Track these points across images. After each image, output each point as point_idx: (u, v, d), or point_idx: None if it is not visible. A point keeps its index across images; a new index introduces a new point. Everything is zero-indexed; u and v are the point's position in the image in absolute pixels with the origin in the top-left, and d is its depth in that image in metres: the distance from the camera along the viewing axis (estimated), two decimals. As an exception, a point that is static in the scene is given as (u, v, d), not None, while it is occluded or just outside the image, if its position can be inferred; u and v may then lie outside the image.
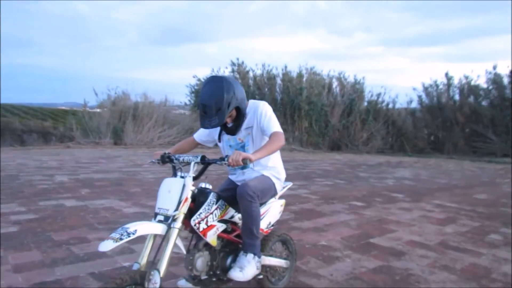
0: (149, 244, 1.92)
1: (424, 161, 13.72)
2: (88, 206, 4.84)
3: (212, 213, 2.11)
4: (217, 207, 2.16)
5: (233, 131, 2.38)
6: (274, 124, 2.30)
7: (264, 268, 2.41)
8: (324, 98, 17.08)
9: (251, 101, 2.42)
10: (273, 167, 2.46)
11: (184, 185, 1.98)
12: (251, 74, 18.18)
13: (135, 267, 1.85)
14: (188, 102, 18.96)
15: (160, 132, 15.94)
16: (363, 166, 11.12)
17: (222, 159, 2.04)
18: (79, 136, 15.46)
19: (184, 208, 1.97)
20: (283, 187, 2.62)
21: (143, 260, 1.87)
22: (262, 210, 2.39)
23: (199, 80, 18.24)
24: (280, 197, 2.63)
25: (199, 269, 2.12)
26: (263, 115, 2.31)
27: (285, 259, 2.62)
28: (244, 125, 2.37)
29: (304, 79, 17.62)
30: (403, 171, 10.35)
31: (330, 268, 3.09)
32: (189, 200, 2.00)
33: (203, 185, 2.17)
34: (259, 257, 2.26)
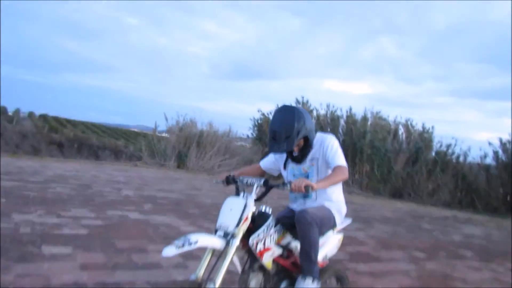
0: (207, 258, 2.00)
1: (497, 221, 12.54)
2: (149, 221, 5.08)
3: (270, 235, 2.17)
4: (275, 230, 2.22)
5: (298, 159, 2.45)
6: (339, 157, 2.35)
7: None
8: (388, 143, 16.55)
9: (319, 134, 2.49)
10: (335, 200, 2.48)
11: (246, 205, 2.05)
12: (314, 113, 18.25)
13: (192, 277, 1.91)
14: (250, 135, 19.41)
15: (221, 160, 16.40)
16: (427, 218, 10.44)
17: (284, 184, 2.11)
18: (147, 156, 16.40)
19: (244, 227, 2.04)
20: (343, 222, 2.60)
21: (200, 272, 1.95)
22: (320, 241, 2.39)
23: (263, 114, 18.64)
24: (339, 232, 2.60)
25: None
26: (330, 147, 2.37)
27: None
28: (310, 156, 2.43)
29: (369, 122, 17.29)
30: (472, 228, 9.54)
31: (385, 315, 2.91)
32: (249, 219, 2.06)
33: (263, 208, 2.23)
34: (319, 280, 2.27)
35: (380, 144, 16.07)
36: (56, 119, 48.18)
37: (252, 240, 2.09)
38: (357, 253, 4.84)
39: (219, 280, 1.90)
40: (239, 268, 2.11)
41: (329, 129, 17.74)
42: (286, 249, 2.31)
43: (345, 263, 4.25)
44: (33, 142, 22.47)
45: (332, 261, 4.12)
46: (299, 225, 2.21)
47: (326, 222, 2.40)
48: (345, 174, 2.28)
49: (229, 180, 2.32)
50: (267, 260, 2.16)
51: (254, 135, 19.01)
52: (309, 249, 2.22)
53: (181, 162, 15.94)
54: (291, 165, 2.51)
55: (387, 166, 16.05)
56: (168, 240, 4.14)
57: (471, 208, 15.58)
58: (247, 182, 2.21)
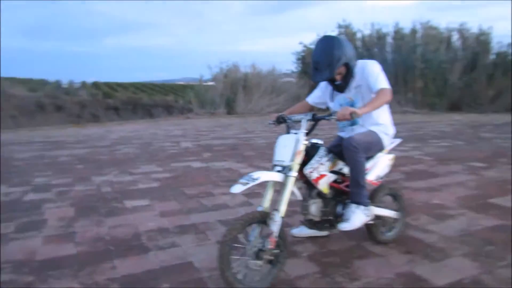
0: (270, 192, 2.21)
1: None
2: (211, 167, 5.49)
3: (323, 164, 2.34)
4: (328, 159, 2.38)
5: (342, 88, 2.51)
6: (381, 81, 2.37)
7: (374, 217, 2.56)
8: (442, 54, 15.51)
9: (361, 61, 2.51)
10: (381, 123, 2.55)
11: (297, 139, 2.21)
12: (359, 35, 17.39)
13: (259, 209, 2.16)
14: (295, 70, 19.11)
15: (269, 100, 16.53)
16: (488, 126, 10.03)
17: (330, 114, 2.22)
18: (197, 107, 16.96)
19: (298, 159, 2.19)
20: (392, 143, 2.69)
21: (266, 203, 2.17)
22: (370, 163, 2.54)
23: (305, 46, 18.14)
24: (390, 153, 2.72)
25: (313, 213, 2.39)
26: (371, 72, 2.41)
27: (394, 211, 2.73)
28: (354, 84, 2.49)
29: (419, 35, 16.19)
30: (539, 130, 9.06)
31: (442, 224, 3.06)
32: (303, 152, 2.23)
33: (314, 140, 2.40)
34: (365, 205, 2.41)
35: (433, 56, 15.15)
36: (107, 84, 50.33)
37: (307, 169, 2.28)
38: (414, 172, 4.92)
39: (282, 209, 2.13)
40: (299, 197, 2.27)
41: (376, 49, 16.90)
42: (340, 174, 2.51)
43: (401, 183, 4.37)
44: (91, 110, 24.01)
45: (387, 181, 4.27)
46: (346, 152, 2.35)
47: (373, 146, 2.50)
48: (388, 97, 2.33)
49: (280, 120, 2.48)
50: (323, 186, 2.36)
51: (299, 69, 18.71)
52: (356, 174, 2.36)
53: (230, 108, 16.34)
54: (337, 96, 2.60)
55: (442, 79, 15.21)
56: (230, 182, 4.48)
57: (537, 110, 14.54)
58: (295, 119, 2.36)
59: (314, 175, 2.31)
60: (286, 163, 2.18)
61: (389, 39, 16.66)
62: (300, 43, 18.58)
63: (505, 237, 2.79)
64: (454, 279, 2.19)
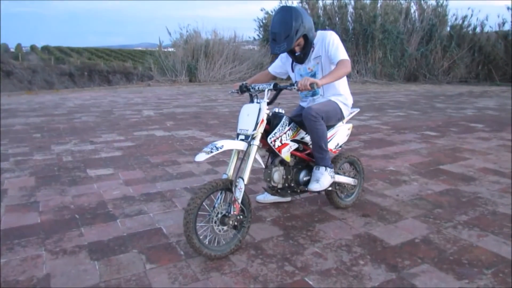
0: (234, 160, 2.27)
1: (513, 90, 12.54)
2: (174, 136, 5.45)
3: (285, 133, 2.41)
4: (289, 128, 2.45)
5: (301, 59, 2.55)
6: (340, 52, 2.43)
7: (334, 184, 2.70)
8: (400, 25, 15.87)
9: (319, 32, 2.55)
10: (341, 94, 2.65)
11: (260, 109, 2.26)
12: (320, 3, 17.33)
13: (224, 176, 2.22)
14: (257, 37, 18.88)
15: (231, 68, 16.32)
16: (441, 97, 10.57)
17: (291, 84, 2.27)
18: (157, 75, 16.46)
19: (261, 128, 2.26)
20: (351, 113, 2.81)
21: (230, 171, 2.23)
22: (330, 132, 2.65)
23: (267, 13, 17.90)
24: (348, 122, 2.84)
25: (276, 181, 2.48)
26: (331, 44, 2.46)
27: (353, 177, 2.88)
28: (313, 55, 2.54)
29: (379, 5, 16.40)
30: (486, 101, 9.68)
31: (397, 189, 3.29)
32: (265, 121, 2.29)
33: (276, 110, 2.46)
34: (331, 167, 2.55)
35: (392, 27, 15.47)
36: (59, 49, 47.43)
37: (271, 138, 2.35)
38: (371, 140, 5.16)
39: (246, 176, 2.16)
40: (262, 165, 2.35)
41: (337, 19, 17.01)
42: (302, 143, 2.57)
43: (359, 150, 4.59)
44: (44, 76, 22.71)
45: (346, 149, 4.45)
46: (306, 121, 2.43)
47: (333, 115, 2.59)
48: (348, 68, 2.40)
49: (243, 89, 2.51)
50: (285, 154, 2.44)
51: (261, 36, 18.50)
52: (319, 140, 2.45)
53: (192, 75, 15.99)
54: (297, 66, 2.63)
55: (400, 49, 15.66)
56: (195, 151, 4.53)
57: (488, 82, 15.45)
58: (258, 88, 2.41)
59: (277, 144, 2.38)
60: (249, 132, 2.23)
61: (350, 9, 16.75)
62: (262, 9, 18.32)
63: (452, 200, 3.05)
64: (406, 239, 2.39)
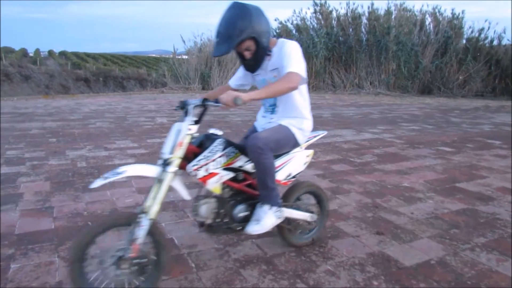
0: (155, 187, 1.85)
1: (530, 106, 12.32)
2: (187, 144, 5.47)
3: (214, 160, 1.98)
4: (223, 154, 2.01)
5: (252, 67, 2.15)
6: (293, 64, 1.97)
7: (286, 221, 2.29)
8: (415, 37, 15.79)
9: (281, 40, 2.13)
10: (294, 117, 2.21)
11: (179, 129, 1.90)
12: (334, 14, 17.38)
13: (138, 210, 1.84)
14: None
15: (244, 77, 16.41)
16: (456, 111, 10.43)
17: (216, 100, 1.87)
18: (171, 82, 16.64)
19: (179, 152, 1.86)
20: (314, 137, 2.43)
21: (148, 202, 1.82)
22: (282, 160, 2.25)
23: (281, 23, 17.99)
24: (310, 148, 2.43)
25: (203, 215, 2.06)
26: (287, 53, 2.02)
27: (311, 212, 2.43)
28: (270, 66, 2.13)
29: (393, 16, 16.37)
30: (504, 116, 9.52)
31: (411, 207, 3.23)
32: (185, 144, 1.89)
33: (212, 130, 2.09)
34: (278, 206, 2.14)
35: (406, 38, 15.40)
36: (76, 54, 48.39)
37: (192, 167, 1.93)
38: (385, 154, 5.10)
39: (154, 210, 1.78)
40: (184, 195, 1.92)
41: (351, 30, 16.99)
42: (242, 172, 2.13)
43: (373, 165, 4.53)
44: (61, 81, 23.12)
45: (348, 169, 4.39)
46: (250, 152, 2.02)
47: (284, 143, 2.17)
48: (292, 83, 1.92)
49: (182, 105, 2.05)
50: (213, 186, 2.00)
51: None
52: (264, 175, 2.04)
53: (205, 83, 16.13)
54: (257, 78, 2.24)
55: (415, 61, 15.56)
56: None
57: (504, 96, 15.20)
58: (192, 104, 1.97)
59: (201, 174, 1.95)
60: (165, 156, 1.86)
61: (364, 20, 16.74)
62: (276, 19, 18.43)
63: (469, 220, 2.98)
64: (421, 260, 2.33)
